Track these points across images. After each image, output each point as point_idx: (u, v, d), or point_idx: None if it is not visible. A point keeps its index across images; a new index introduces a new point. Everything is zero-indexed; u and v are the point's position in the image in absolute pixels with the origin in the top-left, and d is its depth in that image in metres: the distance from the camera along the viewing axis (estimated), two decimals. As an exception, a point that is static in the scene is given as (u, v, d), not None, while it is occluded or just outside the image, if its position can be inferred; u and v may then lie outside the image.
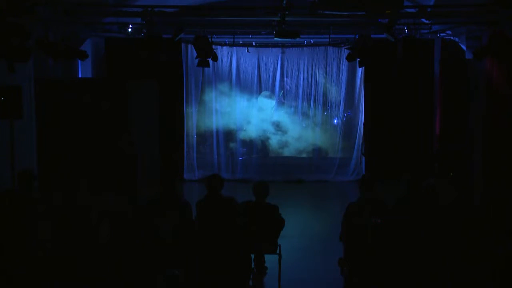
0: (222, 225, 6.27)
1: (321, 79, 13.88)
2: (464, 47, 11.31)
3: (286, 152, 14.16)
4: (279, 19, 9.12)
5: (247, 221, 6.51)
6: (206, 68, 12.24)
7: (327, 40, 12.32)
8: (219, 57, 12.58)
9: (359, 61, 11.30)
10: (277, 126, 14.08)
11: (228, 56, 13.72)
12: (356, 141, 13.93)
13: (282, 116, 14.05)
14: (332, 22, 10.66)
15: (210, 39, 10.67)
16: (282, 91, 13.96)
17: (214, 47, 11.33)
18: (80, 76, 12.33)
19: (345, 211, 6.46)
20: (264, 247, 6.88)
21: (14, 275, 5.62)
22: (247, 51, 13.53)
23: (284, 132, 14.09)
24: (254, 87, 13.88)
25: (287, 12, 8.58)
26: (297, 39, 11.43)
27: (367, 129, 13.68)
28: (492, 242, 5.95)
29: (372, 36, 10.51)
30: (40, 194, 8.48)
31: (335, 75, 13.83)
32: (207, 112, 14.00)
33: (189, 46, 13.19)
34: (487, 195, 9.80)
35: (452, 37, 11.78)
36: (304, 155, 14.16)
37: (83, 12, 9.64)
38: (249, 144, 14.11)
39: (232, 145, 14.07)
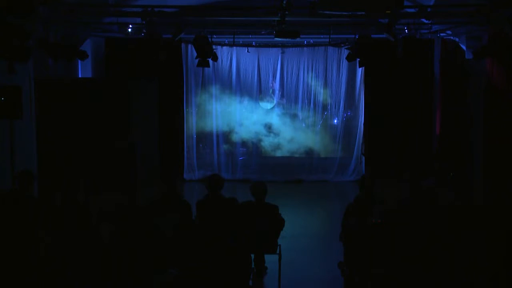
0: (222, 225, 6.27)
1: (321, 79, 13.88)
2: (464, 47, 11.31)
3: (286, 152, 14.16)
4: (279, 19, 9.12)
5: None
6: (206, 68, 12.24)
7: (327, 40, 12.32)
8: (219, 57, 12.59)
9: (359, 61, 11.31)
10: (277, 126, 14.08)
11: (228, 56, 13.73)
12: (356, 141, 13.93)
13: (282, 116, 14.05)
14: (332, 22, 10.66)
15: (210, 39, 10.68)
16: (280, 92, 13.97)
17: (214, 47, 11.34)
18: (80, 76, 12.33)
19: (345, 211, 6.47)
20: (264, 247, 6.88)
21: (14, 275, 5.62)
22: (247, 51, 13.54)
23: (284, 132, 14.09)
24: (254, 87, 13.89)
25: (287, 12, 8.58)
26: (297, 39, 11.44)
27: (367, 129, 13.68)
28: (493, 242, 5.95)
29: (372, 36, 10.52)
30: (40, 194, 8.50)
31: (335, 75, 13.82)
32: (207, 112, 14.00)
33: (189, 46, 13.19)
34: (488, 195, 9.80)
35: (452, 37, 11.78)
36: (304, 155, 14.16)
37: (83, 12, 9.64)
38: (249, 144, 14.11)
39: (232, 145, 14.07)
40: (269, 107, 14.03)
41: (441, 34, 11.87)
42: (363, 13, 8.72)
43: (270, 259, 7.25)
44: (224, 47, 13.42)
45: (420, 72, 13.26)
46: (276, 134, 14.07)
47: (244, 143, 14.10)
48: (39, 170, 9.21)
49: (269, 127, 14.07)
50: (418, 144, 13.26)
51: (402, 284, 6.07)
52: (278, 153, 14.13)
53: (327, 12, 7.26)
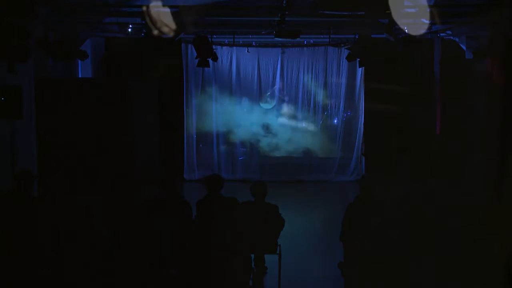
0: (222, 225, 6.27)
1: (321, 79, 13.88)
2: (464, 47, 11.31)
3: (286, 152, 14.16)
4: (279, 19, 9.12)
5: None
6: (206, 68, 12.24)
7: (327, 40, 12.32)
8: (219, 57, 12.59)
9: (359, 61, 11.30)
10: (276, 126, 14.07)
11: (228, 56, 13.73)
12: (356, 141, 13.94)
13: (282, 116, 14.05)
14: (332, 22, 10.66)
15: (210, 39, 10.67)
16: (281, 92, 13.96)
17: (214, 47, 11.33)
18: (80, 76, 12.33)
19: (345, 211, 6.47)
20: (264, 247, 6.88)
21: (14, 275, 5.62)
22: (247, 51, 13.54)
23: (284, 132, 14.09)
24: (254, 87, 13.89)
25: (287, 12, 8.58)
26: (297, 39, 11.43)
27: (367, 129, 13.68)
28: (495, 242, 5.95)
29: (372, 36, 10.52)
30: (40, 194, 8.50)
31: (335, 75, 13.83)
32: (207, 112, 14.00)
33: (189, 46, 13.19)
34: (489, 195, 9.80)
35: (452, 37, 11.78)
36: (304, 155, 14.16)
37: (83, 12, 9.64)
38: (249, 144, 14.11)
39: (231, 145, 14.07)
40: (269, 107, 14.03)
41: (441, 34, 11.87)
42: (363, 13, 8.72)
43: (270, 259, 7.25)
44: (224, 47, 13.42)
45: (420, 72, 13.25)
46: (276, 134, 14.08)
47: (244, 143, 14.11)
48: (39, 170, 9.20)
49: (268, 127, 14.07)
50: (418, 144, 13.24)
51: (402, 284, 6.07)
52: (278, 153, 14.14)
53: (327, 12, 7.27)
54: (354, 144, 13.96)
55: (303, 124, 14.09)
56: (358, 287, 6.22)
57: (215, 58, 11.75)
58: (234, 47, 13.46)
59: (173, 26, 9.63)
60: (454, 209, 6.50)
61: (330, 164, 14.07)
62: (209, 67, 11.51)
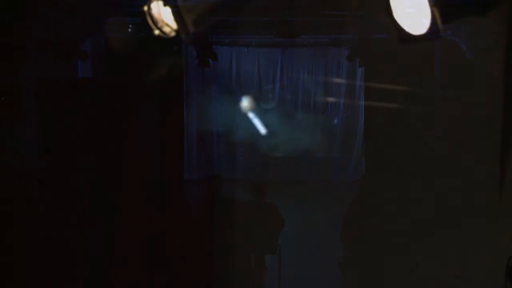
0: (222, 225, 6.28)
1: (321, 79, 13.89)
2: (464, 47, 11.30)
3: (286, 152, 14.18)
4: (279, 19, 9.12)
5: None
6: (206, 68, 12.25)
7: (327, 40, 12.33)
8: (219, 57, 12.60)
9: (359, 61, 11.31)
10: (276, 126, 14.09)
11: (228, 56, 13.74)
12: (356, 141, 13.94)
13: (282, 116, 14.06)
14: (332, 22, 10.66)
15: (210, 39, 10.68)
16: (280, 92, 13.98)
17: (214, 47, 11.34)
18: (80, 76, 12.32)
19: (345, 212, 6.48)
20: (264, 247, 6.88)
21: (14, 275, 5.62)
22: (247, 51, 13.55)
23: (284, 132, 14.11)
24: (254, 87, 13.91)
25: (287, 12, 8.59)
26: (297, 39, 11.44)
27: (367, 129, 13.67)
28: (495, 242, 5.95)
29: (372, 36, 10.52)
30: (41, 195, 8.50)
31: (335, 75, 13.84)
32: (207, 112, 14.01)
33: (189, 46, 13.20)
34: (489, 195, 9.79)
35: (452, 37, 11.77)
36: (304, 155, 14.17)
37: (83, 12, 9.64)
38: (249, 144, 14.12)
39: (231, 145, 14.07)
40: (269, 107, 14.04)
41: (441, 34, 11.86)
42: (363, 13, 8.73)
43: (270, 259, 7.25)
44: (224, 47, 13.43)
45: (419, 72, 13.23)
46: (276, 134, 14.09)
47: (244, 143, 14.11)
48: (40, 170, 9.19)
49: (269, 127, 14.09)
50: (418, 144, 13.24)
51: (402, 284, 6.08)
52: (278, 153, 14.15)
53: (327, 12, 7.27)
54: (354, 144, 13.97)
55: (303, 124, 14.11)
56: (358, 287, 6.22)
57: (215, 58, 11.76)
58: (234, 47, 13.47)
59: (173, 26, 9.62)
60: (454, 208, 6.50)
61: (330, 164, 14.08)
62: (209, 67, 11.53)
